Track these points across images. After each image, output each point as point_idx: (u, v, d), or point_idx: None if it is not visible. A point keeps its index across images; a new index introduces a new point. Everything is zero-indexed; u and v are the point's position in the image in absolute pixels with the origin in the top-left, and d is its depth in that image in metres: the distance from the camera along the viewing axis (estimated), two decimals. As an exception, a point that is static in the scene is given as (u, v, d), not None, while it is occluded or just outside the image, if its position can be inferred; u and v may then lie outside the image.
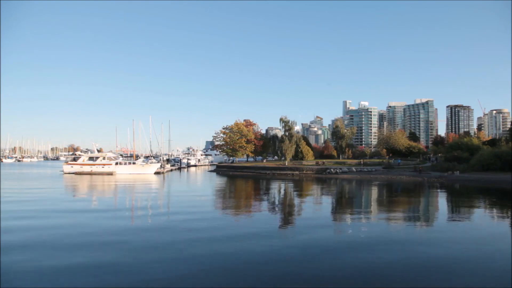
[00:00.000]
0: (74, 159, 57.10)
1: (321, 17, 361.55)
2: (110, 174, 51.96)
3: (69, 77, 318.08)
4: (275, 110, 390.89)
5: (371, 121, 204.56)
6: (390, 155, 76.30)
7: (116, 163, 54.98)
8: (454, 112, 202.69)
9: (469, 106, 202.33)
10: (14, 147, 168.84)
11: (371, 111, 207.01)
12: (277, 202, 23.98)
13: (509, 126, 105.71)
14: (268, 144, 74.42)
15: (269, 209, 20.30)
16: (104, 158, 55.17)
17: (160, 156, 71.78)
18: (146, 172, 54.02)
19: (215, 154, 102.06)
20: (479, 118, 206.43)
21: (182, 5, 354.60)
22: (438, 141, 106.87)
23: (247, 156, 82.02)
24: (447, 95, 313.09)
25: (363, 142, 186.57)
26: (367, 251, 10.62)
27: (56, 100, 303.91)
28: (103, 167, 53.74)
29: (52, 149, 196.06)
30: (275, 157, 78.87)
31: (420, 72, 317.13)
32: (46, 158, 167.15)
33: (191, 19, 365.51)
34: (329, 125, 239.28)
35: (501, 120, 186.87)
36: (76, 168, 53.92)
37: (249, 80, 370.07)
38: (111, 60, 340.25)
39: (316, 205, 22.42)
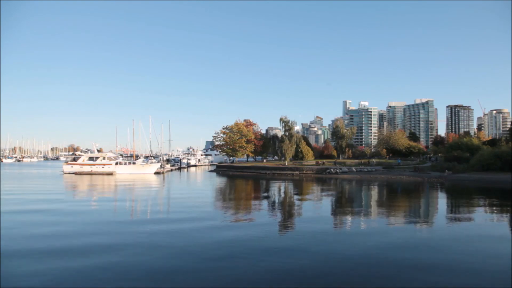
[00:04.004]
0: (74, 159, 57.09)
1: (321, 17, 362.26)
2: (110, 174, 51.95)
3: (69, 77, 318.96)
4: (275, 110, 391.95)
5: (371, 121, 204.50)
6: (390, 155, 76.35)
7: (116, 163, 54.98)
8: (454, 112, 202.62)
9: (469, 106, 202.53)
10: (14, 147, 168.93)
11: (371, 111, 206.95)
12: (277, 203, 23.95)
13: (509, 126, 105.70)
14: (268, 144, 74.41)
15: (269, 210, 20.30)
16: (104, 158, 55.17)
17: (160, 156, 71.78)
18: (146, 172, 54.01)
19: (215, 154, 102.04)
20: (479, 118, 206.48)
21: (182, 5, 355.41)
22: (438, 141, 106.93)
23: (247, 156, 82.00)
24: (447, 95, 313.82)
25: (363, 142, 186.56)
26: (366, 251, 10.61)
27: (56, 100, 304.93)
28: (103, 167, 53.74)
29: (52, 149, 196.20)
30: (275, 157, 78.83)
31: (420, 72, 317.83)
32: (46, 158, 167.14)
33: (191, 19, 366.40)
34: (329, 125, 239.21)
35: (501, 120, 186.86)
36: (76, 168, 53.91)
37: (249, 80, 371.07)
38: (111, 60, 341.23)
39: (316, 206, 22.40)
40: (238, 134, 74.43)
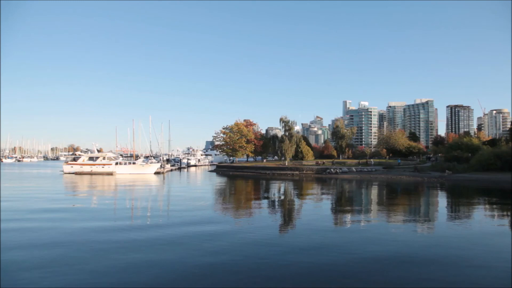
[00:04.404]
0: (74, 159, 57.06)
1: (321, 17, 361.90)
2: (110, 174, 51.93)
3: (69, 77, 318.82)
4: (275, 110, 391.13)
5: (371, 121, 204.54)
6: (390, 155, 76.37)
7: (116, 163, 54.96)
8: (454, 112, 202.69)
9: (469, 106, 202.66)
10: (14, 147, 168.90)
11: (371, 111, 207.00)
12: (277, 203, 23.96)
13: (509, 126, 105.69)
14: (268, 144, 74.39)
15: (269, 211, 20.30)
16: (104, 158, 55.16)
17: (160, 156, 71.78)
18: (146, 172, 54.01)
19: (215, 154, 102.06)
20: (479, 118, 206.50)
21: (182, 5, 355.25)
22: (438, 141, 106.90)
23: (247, 156, 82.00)
24: (447, 95, 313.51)
25: (363, 142, 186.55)
26: (366, 252, 10.62)
27: (56, 100, 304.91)
28: (103, 167, 53.73)
29: (52, 149, 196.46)
30: (275, 157, 78.85)
31: (420, 72, 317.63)
32: (46, 158, 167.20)
33: (191, 19, 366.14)
34: (329, 125, 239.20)
35: (501, 120, 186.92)
36: (76, 168, 53.90)
37: (249, 80, 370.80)
38: (111, 60, 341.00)
39: (316, 206, 22.41)
40: (238, 134, 74.43)
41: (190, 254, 10.12)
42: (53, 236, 12.33)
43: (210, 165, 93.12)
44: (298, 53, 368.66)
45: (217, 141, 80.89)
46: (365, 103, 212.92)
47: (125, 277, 8.18)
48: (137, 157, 69.70)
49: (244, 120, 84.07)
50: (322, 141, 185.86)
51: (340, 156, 79.25)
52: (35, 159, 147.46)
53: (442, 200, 25.91)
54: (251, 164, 70.59)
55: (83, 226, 14.14)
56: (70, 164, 55.21)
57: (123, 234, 12.80)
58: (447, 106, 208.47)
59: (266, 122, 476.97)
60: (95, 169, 53.31)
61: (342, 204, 22.89)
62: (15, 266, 8.90)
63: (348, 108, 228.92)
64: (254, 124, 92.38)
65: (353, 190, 31.69)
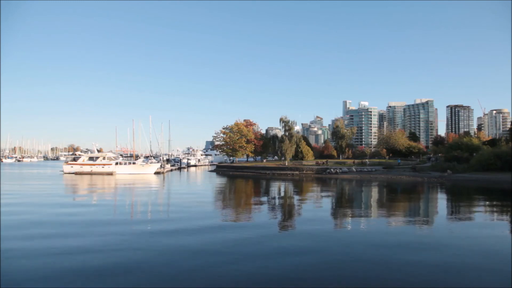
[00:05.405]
0: (74, 159, 57.06)
1: (321, 17, 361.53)
2: (110, 174, 51.94)
3: (69, 77, 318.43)
4: (275, 110, 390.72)
5: (371, 121, 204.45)
6: (390, 155, 76.39)
7: (116, 163, 54.98)
8: (454, 112, 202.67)
9: (469, 106, 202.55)
10: (14, 147, 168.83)
11: (371, 111, 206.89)
12: (277, 204, 23.97)
13: (509, 126, 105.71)
14: (268, 144, 74.32)
15: (269, 211, 20.32)
16: (104, 158, 55.17)
17: (160, 156, 71.78)
18: (146, 172, 54.01)
19: (215, 154, 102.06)
20: (479, 118, 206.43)
21: (182, 5, 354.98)
22: (438, 141, 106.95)
23: (247, 156, 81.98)
24: (447, 95, 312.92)
25: (363, 142, 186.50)
26: (367, 254, 10.62)
27: (56, 100, 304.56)
28: (103, 167, 53.74)
29: (52, 149, 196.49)
30: (275, 157, 78.82)
31: (420, 72, 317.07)
32: (46, 158, 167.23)
33: (191, 19, 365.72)
34: (329, 125, 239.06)
35: (501, 120, 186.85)
36: (76, 168, 53.92)
37: (249, 80, 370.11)
38: (111, 60, 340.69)
39: (316, 206, 22.42)
40: (238, 134, 74.40)
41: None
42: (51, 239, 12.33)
43: (210, 165, 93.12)
44: (298, 53, 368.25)
45: (217, 141, 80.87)
46: (365, 103, 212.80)
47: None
48: (137, 157, 69.71)
49: (244, 120, 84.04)
50: (322, 141, 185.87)
51: (340, 156, 79.25)
52: (35, 159, 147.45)
53: (442, 201, 25.90)
54: (251, 164, 70.59)
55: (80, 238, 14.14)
56: (70, 164, 55.22)
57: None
58: (447, 106, 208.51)
59: (266, 122, 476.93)
60: (95, 169, 53.32)
61: (342, 206, 22.86)
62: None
63: (348, 108, 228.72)
64: (254, 124, 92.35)
65: (353, 191, 31.66)
